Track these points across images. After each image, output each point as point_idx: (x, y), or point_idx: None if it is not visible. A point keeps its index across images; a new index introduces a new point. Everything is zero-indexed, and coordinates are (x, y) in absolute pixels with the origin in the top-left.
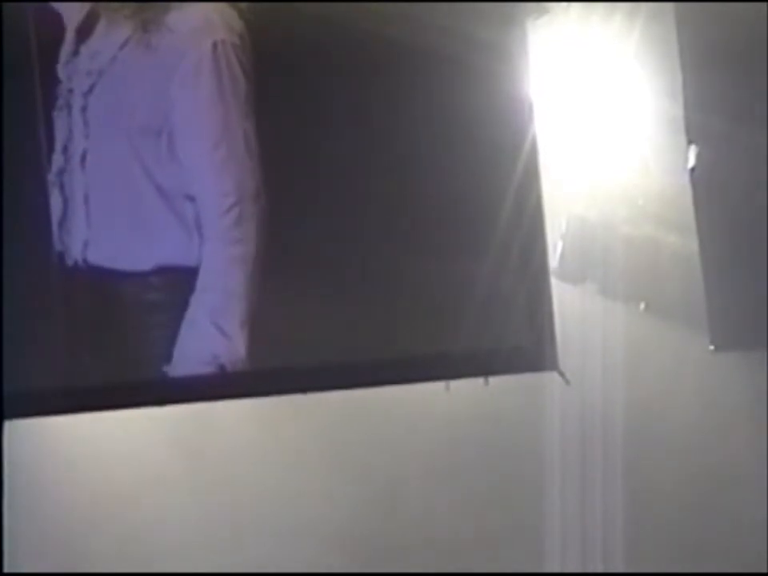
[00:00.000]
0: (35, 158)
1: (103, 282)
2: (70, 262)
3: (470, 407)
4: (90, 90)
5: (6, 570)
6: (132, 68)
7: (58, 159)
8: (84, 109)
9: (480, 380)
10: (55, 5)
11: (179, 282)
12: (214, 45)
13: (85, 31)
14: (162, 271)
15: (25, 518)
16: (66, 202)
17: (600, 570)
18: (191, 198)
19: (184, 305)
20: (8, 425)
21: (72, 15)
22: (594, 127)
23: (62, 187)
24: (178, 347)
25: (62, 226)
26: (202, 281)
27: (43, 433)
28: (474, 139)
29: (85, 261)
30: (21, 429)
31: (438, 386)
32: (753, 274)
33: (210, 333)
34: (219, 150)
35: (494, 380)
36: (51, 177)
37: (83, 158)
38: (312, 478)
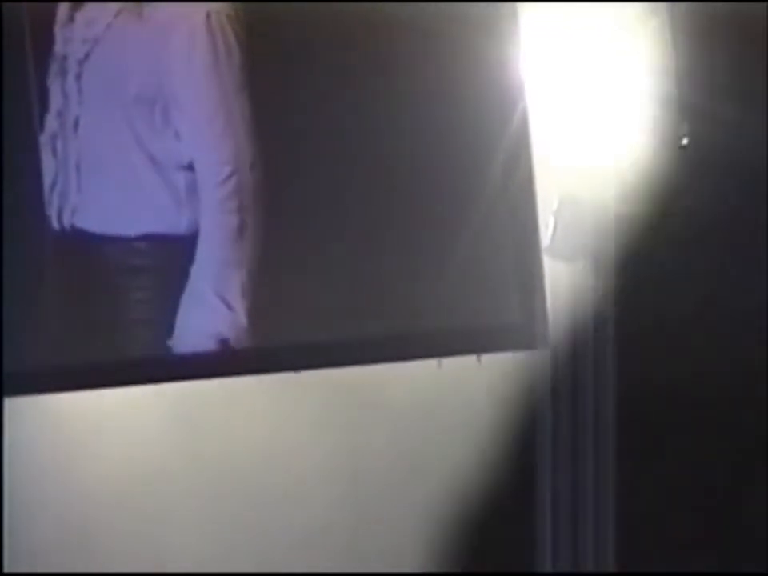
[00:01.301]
0: (29, 123)
1: (92, 248)
2: (59, 228)
3: (461, 384)
4: (86, 57)
5: (6, 562)
6: (127, 36)
7: (51, 124)
8: (79, 76)
9: (472, 357)
10: None
11: (166, 250)
12: (208, 15)
13: None
14: (148, 238)
15: (25, 495)
16: (57, 167)
17: (590, 553)
18: (184, 168)
19: (175, 275)
20: (7, 402)
21: None
22: (585, 104)
23: (54, 152)
24: (180, 320)
25: (53, 191)
26: (200, 252)
27: (44, 410)
28: (465, 117)
29: (72, 226)
30: (21, 406)
31: (429, 364)
32: None
33: (213, 303)
34: (216, 120)
35: (485, 357)
36: (44, 140)
37: (76, 124)
38: (307, 454)
